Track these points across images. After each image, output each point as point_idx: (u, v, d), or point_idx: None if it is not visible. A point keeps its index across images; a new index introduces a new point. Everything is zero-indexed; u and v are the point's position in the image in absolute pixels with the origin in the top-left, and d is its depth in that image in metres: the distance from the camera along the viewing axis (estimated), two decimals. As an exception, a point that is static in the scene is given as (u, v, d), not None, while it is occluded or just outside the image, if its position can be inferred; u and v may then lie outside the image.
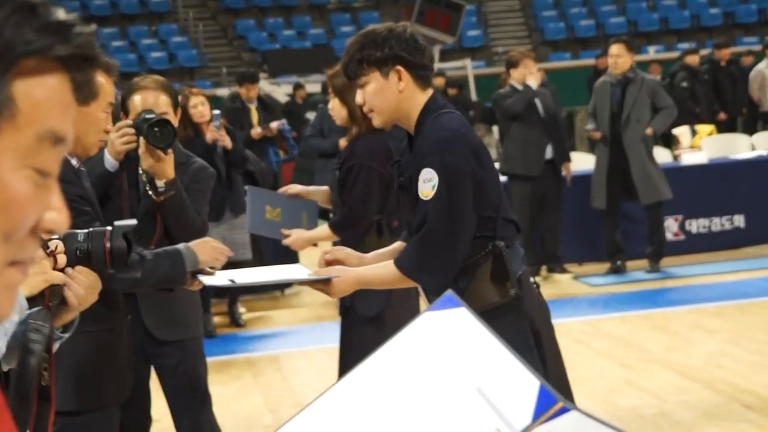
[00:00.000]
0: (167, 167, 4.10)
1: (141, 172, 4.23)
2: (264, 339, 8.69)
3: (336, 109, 5.06)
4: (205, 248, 3.63)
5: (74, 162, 3.48)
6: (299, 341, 8.40)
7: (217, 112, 7.77)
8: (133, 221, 2.91)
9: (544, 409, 1.21)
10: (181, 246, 3.63)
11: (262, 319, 9.37)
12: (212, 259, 3.63)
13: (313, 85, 18.24)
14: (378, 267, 3.55)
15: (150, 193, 4.17)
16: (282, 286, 9.93)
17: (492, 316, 3.13)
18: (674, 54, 19.43)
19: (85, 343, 3.51)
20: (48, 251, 2.37)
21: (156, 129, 4.04)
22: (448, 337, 1.39)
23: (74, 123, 1.05)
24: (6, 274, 1.03)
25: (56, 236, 2.35)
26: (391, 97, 3.48)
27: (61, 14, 1.00)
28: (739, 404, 6.00)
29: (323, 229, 5.09)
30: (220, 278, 3.71)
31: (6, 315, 1.05)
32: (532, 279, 3.65)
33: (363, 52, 3.48)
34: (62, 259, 2.41)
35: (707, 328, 7.78)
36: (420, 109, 3.49)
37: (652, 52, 22.50)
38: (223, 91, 17.45)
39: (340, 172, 5.06)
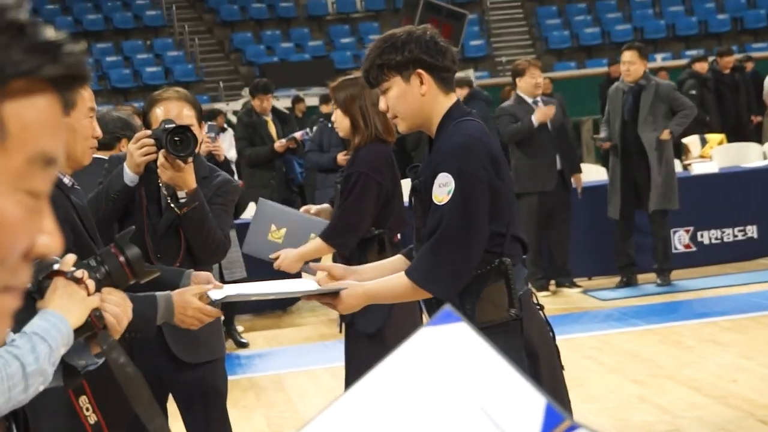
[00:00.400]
0: (188, 177, 3.98)
1: (161, 185, 4.10)
2: (266, 358, 8.57)
3: (339, 120, 5.01)
4: (187, 310, 3.44)
5: (66, 180, 3.35)
6: (303, 361, 8.26)
7: (212, 123, 7.61)
8: (131, 228, 2.83)
9: (551, 428, 1.16)
10: (161, 296, 3.42)
11: (263, 338, 9.23)
12: (189, 324, 3.45)
13: (312, 99, 18.06)
14: (388, 279, 3.48)
15: (172, 206, 4.05)
16: (286, 302, 9.74)
17: (487, 335, 3.03)
18: (682, 61, 19.28)
19: None
20: (77, 280, 2.43)
21: (176, 138, 3.93)
22: (449, 354, 1.31)
23: None
24: None
25: (74, 269, 2.44)
26: (414, 101, 3.43)
27: (50, 33, 0.99)
28: (755, 419, 5.93)
29: (315, 242, 4.97)
30: (228, 292, 3.64)
31: (0, 343, 1.01)
32: (535, 300, 3.59)
33: (383, 57, 3.44)
34: (91, 285, 2.46)
35: (721, 342, 7.70)
36: (443, 113, 3.44)
37: (659, 60, 22.35)
38: (220, 106, 17.33)
39: (341, 183, 5.00)
